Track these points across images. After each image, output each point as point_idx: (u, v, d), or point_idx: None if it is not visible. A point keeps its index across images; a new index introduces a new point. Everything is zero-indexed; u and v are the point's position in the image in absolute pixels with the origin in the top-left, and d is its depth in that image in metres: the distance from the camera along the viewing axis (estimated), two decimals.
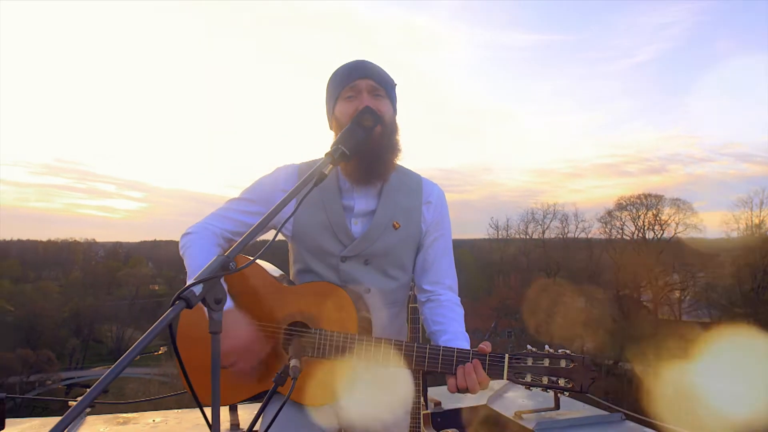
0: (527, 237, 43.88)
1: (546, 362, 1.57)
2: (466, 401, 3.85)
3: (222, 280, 1.81)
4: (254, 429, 1.43)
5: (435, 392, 3.97)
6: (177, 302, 1.11)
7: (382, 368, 1.85)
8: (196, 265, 1.71)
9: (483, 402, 3.82)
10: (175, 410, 3.62)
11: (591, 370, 1.55)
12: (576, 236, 42.60)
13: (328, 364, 1.68)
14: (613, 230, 39.61)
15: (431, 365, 1.61)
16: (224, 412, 3.56)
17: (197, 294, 1.14)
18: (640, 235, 38.48)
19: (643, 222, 38.52)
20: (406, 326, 2.00)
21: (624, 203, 39.46)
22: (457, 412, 3.72)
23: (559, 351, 1.58)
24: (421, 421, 2.56)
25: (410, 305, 2.92)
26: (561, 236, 42.95)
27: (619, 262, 37.44)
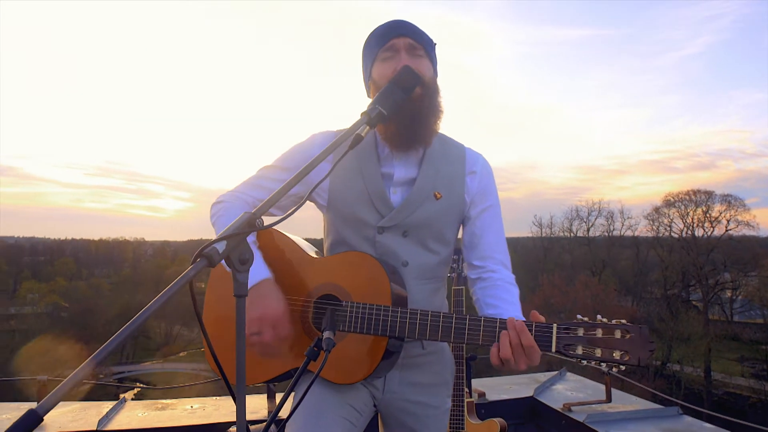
0: (572, 235, 42.96)
1: (599, 333, 1.42)
2: (511, 392, 3.71)
3: (255, 248, 1.75)
4: (281, 413, 1.34)
5: (479, 383, 3.84)
6: (198, 260, 1.02)
7: (420, 342, 1.74)
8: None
9: (529, 394, 3.67)
10: (213, 397, 3.60)
11: (649, 342, 1.40)
12: (622, 234, 41.39)
13: (361, 338, 1.57)
14: (660, 228, 38.28)
15: (472, 336, 1.48)
16: (262, 399, 3.52)
17: (221, 252, 1.05)
18: (689, 232, 37.09)
19: (693, 219, 37.09)
20: (447, 306, 1.88)
21: (672, 200, 38.09)
22: (501, 404, 3.57)
23: (613, 321, 1.43)
24: (465, 408, 2.44)
25: (453, 288, 2.80)
26: (606, 234, 41.85)
27: (667, 261, 36.25)
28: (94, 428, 2.96)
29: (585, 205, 43.57)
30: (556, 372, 4.18)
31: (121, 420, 3.15)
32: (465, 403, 2.47)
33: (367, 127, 1.42)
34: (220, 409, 3.36)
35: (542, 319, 1.46)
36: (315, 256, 1.73)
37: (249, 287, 1.61)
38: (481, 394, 3.56)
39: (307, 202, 1.83)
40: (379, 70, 1.66)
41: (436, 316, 1.50)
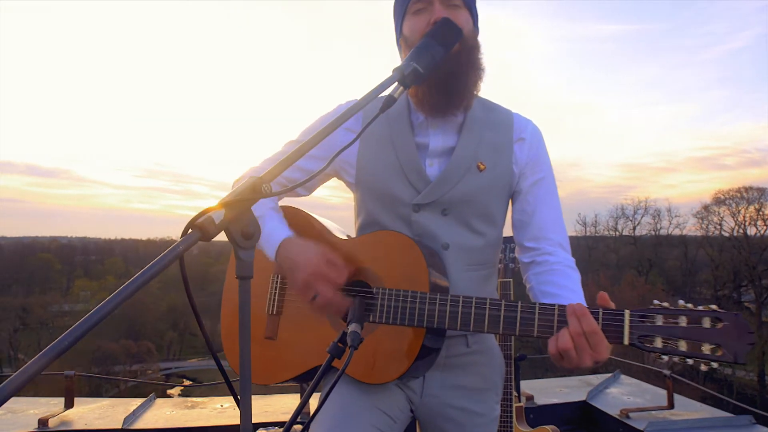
0: (617, 234, 41.73)
1: (683, 321, 1.15)
2: (562, 396, 3.43)
3: (273, 212, 1.54)
4: (301, 416, 1.13)
5: (527, 385, 3.57)
6: (189, 232, 0.83)
7: (464, 339, 1.51)
8: None
9: (581, 398, 3.37)
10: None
11: (748, 332, 1.12)
12: (669, 233, 39.95)
13: (394, 331, 1.35)
14: (710, 226, 36.77)
15: (525, 327, 1.24)
16: (295, 399, 3.34)
17: (218, 223, 0.85)
18: (741, 231, 35.49)
19: (744, 217, 35.48)
20: (496, 296, 1.64)
21: (722, 197, 36.54)
22: (552, 408, 3.30)
23: (700, 307, 1.16)
24: (513, 414, 2.19)
25: (500, 280, 2.55)
26: (653, 233, 40.46)
27: (717, 260, 34.81)
28: (119, 426, 2.84)
29: (631, 203, 42.13)
30: (609, 374, 3.87)
31: (147, 418, 3.03)
32: (513, 409, 2.23)
33: (401, 88, 1.21)
34: None
35: (612, 304, 1.21)
36: (341, 237, 1.52)
37: (275, 251, 1.41)
38: (530, 398, 3.29)
39: (337, 181, 1.64)
40: (410, 24, 1.44)
41: (482, 303, 1.27)
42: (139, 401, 3.25)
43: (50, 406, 3.15)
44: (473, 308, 1.27)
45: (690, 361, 1.17)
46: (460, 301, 1.28)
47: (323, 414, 1.37)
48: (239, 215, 0.89)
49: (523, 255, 1.54)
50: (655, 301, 1.22)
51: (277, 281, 1.54)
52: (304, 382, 1.55)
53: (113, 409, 3.12)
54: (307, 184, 1.56)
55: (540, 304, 1.23)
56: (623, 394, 3.50)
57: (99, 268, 53.82)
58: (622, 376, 3.92)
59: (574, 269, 1.47)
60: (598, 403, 3.29)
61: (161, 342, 43.10)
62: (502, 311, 1.25)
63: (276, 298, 1.53)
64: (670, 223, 39.81)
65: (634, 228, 41.14)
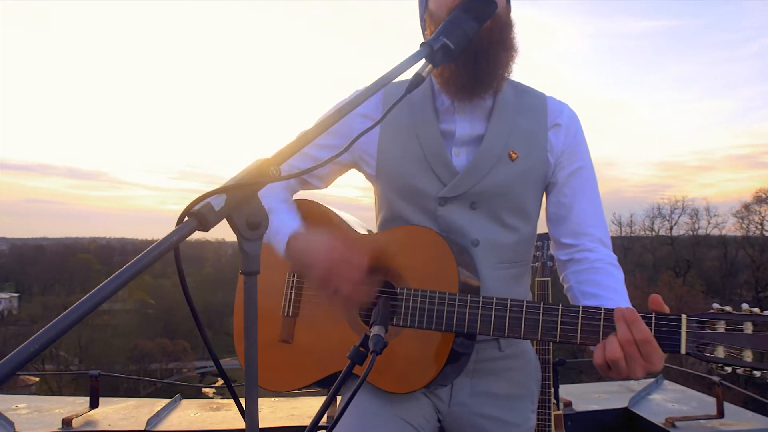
0: (653, 234, 40.70)
1: (749, 327, 1.02)
2: (602, 402, 3.25)
3: (285, 204, 1.42)
4: (320, 425, 1.02)
5: (564, 390, 3.40)
6: (186, 220, 0.73)
7: (496, 342, 1.38)
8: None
9: (623, 404, 3.19)
10: (272, 398, 3.37)
11: None
12: (708, 233, 38.77)
13: (420, 335, 1.23)
14: (750, 226, 35.59)
15: (567, 333, 1.10)
16: (320, 402, 3.25)
17: (217, 210, 0.75)
18: None
19: None
20: (531, 298, 1.50)
21: (764, 196, 35.35)
22: (591, 415, 3.12)
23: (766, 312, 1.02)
24: (552, 423, 2.05)
25: (537, 279, 2.41)
26: (691, 232, 39.32)
27: (758, 261, 33.66)
28: (142, 428, 2.79)
29: (667, 202, 41.04)
30: (652, 379, 3.66)
31: (171, 420, 2.97)
32: (552, 417, 2.08)
33: (429, 66, 1.09)
34: (276, 411, 3.11)
35: (666, 308, 1.07)
36: (362, 232, 1.40)
37: (284, 246, 1.27)
38: (567, 404, 3.12)
39: (357, 173, 1.52)
40: None
41: (518, 306, 1.14)
42: (164, 402, 3.20)
43: (75, 405, 3.12)
44: (508, 312, 1.14)
45: (757, 373, 1.03)
46: (494, 304, 1.15)
47: (340, 427, 1.26)
48: (243, 202, 0.78)
49: (560, 252, 1.40)
50: (715, 305, 1.08)
51: (293, 280, 1.42)
52: (323, 389, 1.45)
53: (138, 410, 3.08)
54: (323, 174, 1.45)
55: (583, 307, 1.10)
56: (667, 401, 3.29)
57: None
58: (666, 382, 3.70)
59: (617, 267, 1.33)
60: (641, 411, 3.10)
61: (196, 341, 43.77)
62: (541, 315, 1.11)
63: (292, 298, 1.41)
64: (709, 223, 38.66)
65: (671, 228, 40.09)
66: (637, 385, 3.55)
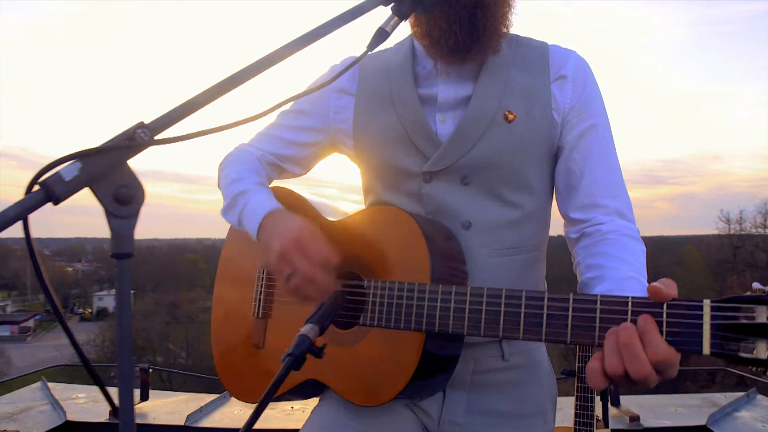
0: (766, 231, 37.43)
1: None
2: (676, 418, 2.88)
3: (260, 187, 1.21)
4: None
5: (632, 401, 3.05)
6: (34, 190, 0.62)
7: (499, 349, 1.17)
8: (229, 193, 1.23)
9: (701, 422, 2.81)
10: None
11: None
12: None
13: (389, 336, 1.06)
14: None
15: (554, 332, 0.85)
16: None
17: (68, 180, 0.63)
18: None
19: None
20: (544, 287, 1.27)
21: None
22: None
23: None
24: None
25: None
26: None
27: None
28: (182, 423, 2.79)
29: None
30: (741, 393, 3.22)
31: (214, 417, 2.96)
32: None
33: (395, 18, 0.93)
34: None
35: (673, 292, 0.79)
36: (332, 219, 1.24)
37: (257, 225, 1.11)
38: (634, 418, 2.79)
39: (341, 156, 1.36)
40: None
41: (516, 298, 0.90)
42: (211, 397, 3.20)
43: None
44: (484, 304, 0.93)
45: None
46: (468, 295, 0.95)
47: None
48: (108, 171, 0.67)
49: (570, 229, 1.17)
50: (756, 284, 0.83)
51: (263, 276, 1.29)
52: (298, 398, 1.31)
53: (185, 405, 3.11)
54: (300, 158, 1.32)
55: (574, 294, 0.86)
56: (757, 420, 2.87)
57: None
58: (759, 396, 3.24)
59: (637, 239, 1.08)
60: (723, 431, 2.72)
61: None
62: (545, 308, 0.87)
63: (262, 297, 1.28)
64: None
65: None
66: (722, 399, 3.15)
